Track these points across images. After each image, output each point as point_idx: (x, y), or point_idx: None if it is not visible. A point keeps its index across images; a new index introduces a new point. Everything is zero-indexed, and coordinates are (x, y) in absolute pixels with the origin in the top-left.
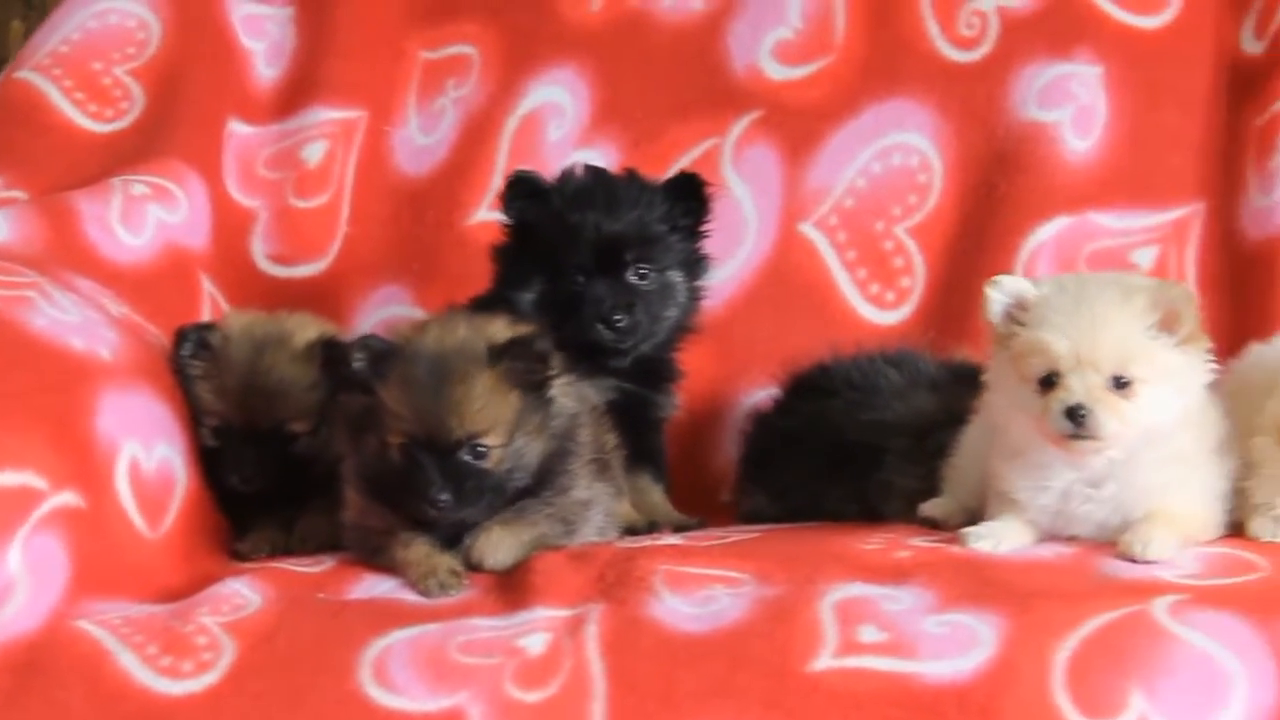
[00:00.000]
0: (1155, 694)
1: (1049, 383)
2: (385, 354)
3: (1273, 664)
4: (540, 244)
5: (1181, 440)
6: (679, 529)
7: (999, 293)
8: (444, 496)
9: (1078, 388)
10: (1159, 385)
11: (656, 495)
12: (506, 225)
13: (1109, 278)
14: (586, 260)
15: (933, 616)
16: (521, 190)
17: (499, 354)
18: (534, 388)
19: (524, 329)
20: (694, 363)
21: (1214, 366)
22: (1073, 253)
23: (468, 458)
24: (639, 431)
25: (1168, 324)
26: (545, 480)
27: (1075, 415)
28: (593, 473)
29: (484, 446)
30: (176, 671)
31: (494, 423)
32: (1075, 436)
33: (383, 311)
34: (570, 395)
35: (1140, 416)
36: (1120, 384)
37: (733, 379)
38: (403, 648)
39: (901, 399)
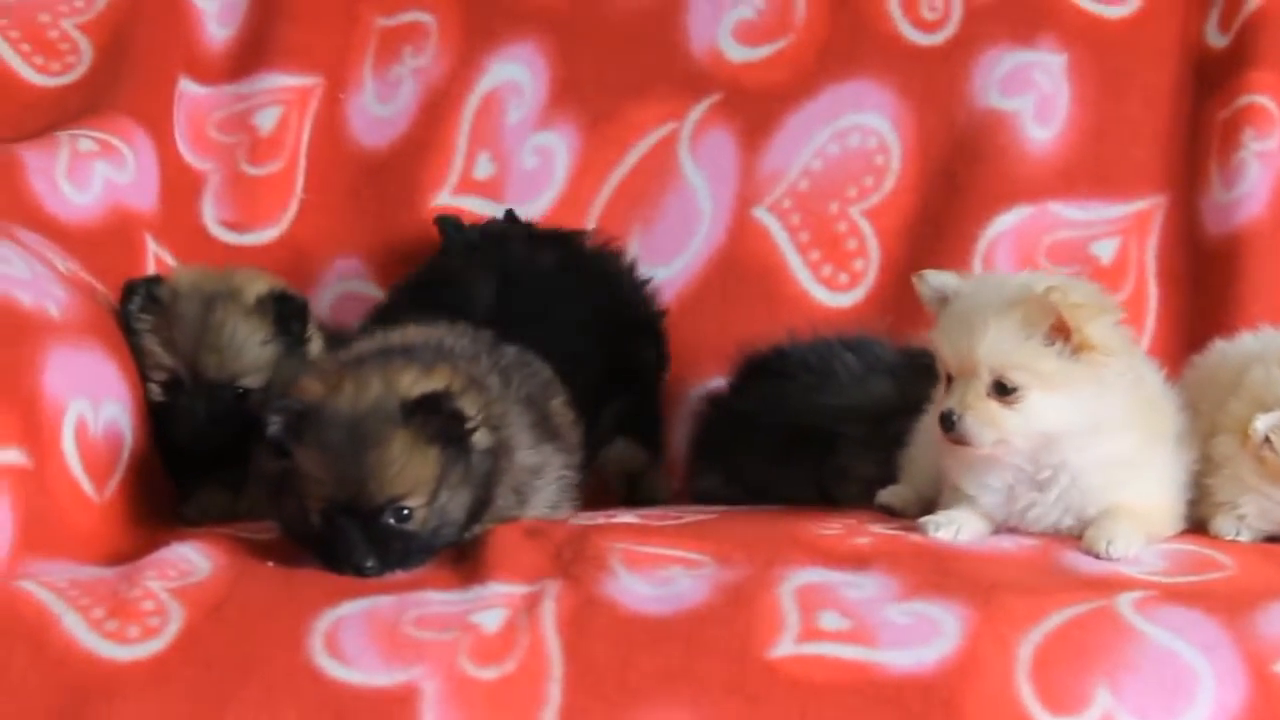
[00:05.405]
0: (1121, 690)
1: (949, 382)
2: (300, 417)
3: (1240, 663)
4: None
5: (1127, 440)
6: None
7: (925, 286)
8: (369, 563)
9: (957, 393)
10: (1048, 393)
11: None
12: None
13: (1007, 283)
14: None
15: (895, 605)
16: None
17: (413, 411)
18: (453, 441)
19: (436, 380)
20: None
21: (1140, 368)
22: (1033, 243)
23: (391, 521)
24: None
25: (1058, 332)
26: (473, 521)
27: (947, 420)
28: (538, 436)
29: (407, 509)
30: (123, 637)
31: (415, 484)
32: (953, 440)
33: (341, 285)
34: (486, 430)
35: (1024, 424)
36: (1003, 390)
37: (682, 371)
38: (356, 619)
39: (858, 384)
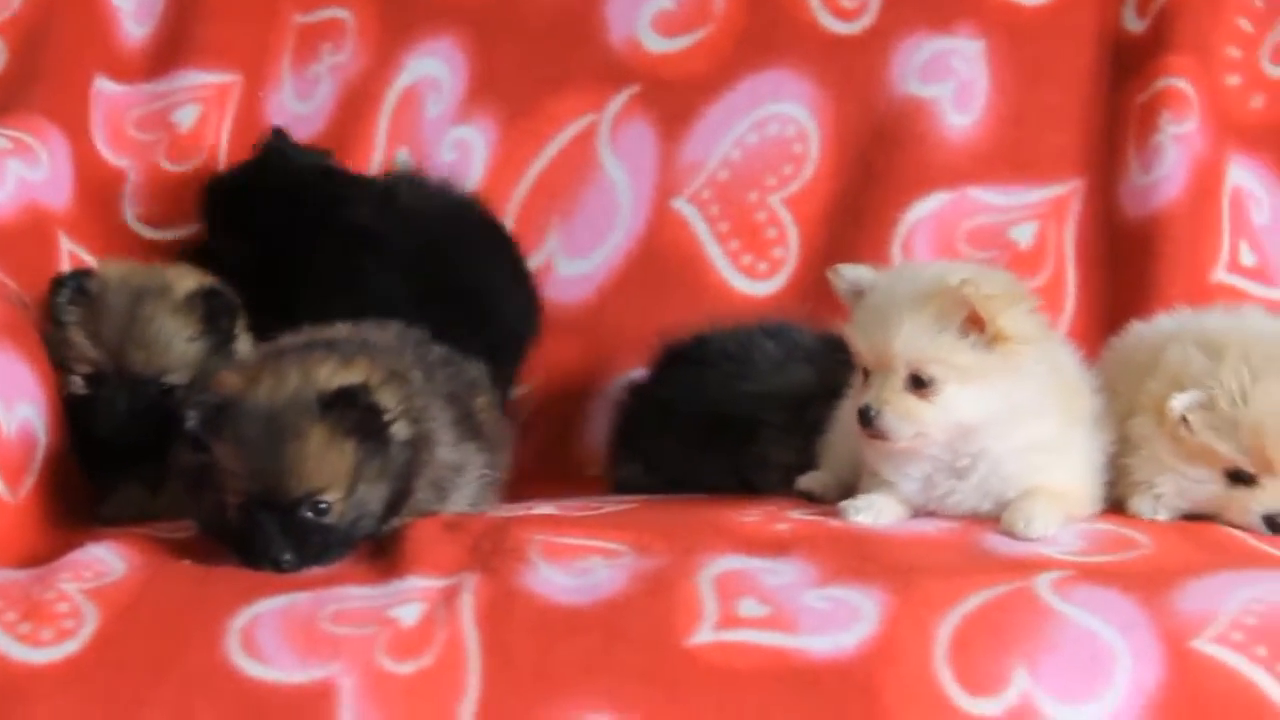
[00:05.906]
0: (1038, 670)
1: (866, 375)
2: (218, 410)
3: (1156, 641)
4: None
5: (1044, 425)
6: None
7: (840, 280)
8: (286, 556)
9: (874, 388)
10: (964, 385)
11: None
12: None
13: (921, 274)
14: None
15: (814, 591)
16: None
17: (330, 404)
18: (371, 434)
19: (355, 373)
20: (563, 347)
21: (1055, 353)
22: (951, 229)
23: (309, 514)
24: None
25: (972, 324)
26: (391, 514)
27: (865, 416)
28: (460, 434)
29: (324, 503)
30: (36, 639)
31: (333, 477)
32: (871, 435)
33: None
34: (405, 422)
35: (942, 416)
36: (919, 384)
37: (602, 363)
38: (272, 617)
39: (778, 371)
